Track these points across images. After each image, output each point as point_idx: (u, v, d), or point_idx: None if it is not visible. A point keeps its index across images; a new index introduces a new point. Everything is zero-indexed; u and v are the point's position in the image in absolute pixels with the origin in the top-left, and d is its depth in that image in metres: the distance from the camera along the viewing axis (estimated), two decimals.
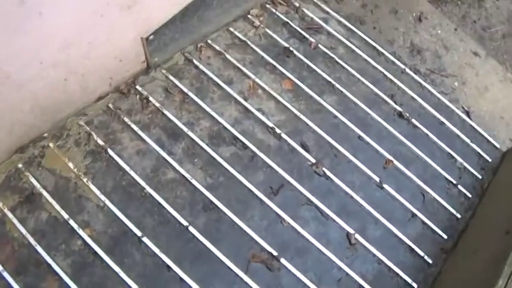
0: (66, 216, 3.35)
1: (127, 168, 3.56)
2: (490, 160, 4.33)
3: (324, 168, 3.83)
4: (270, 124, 3.93)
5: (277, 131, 3.90)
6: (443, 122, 4.34)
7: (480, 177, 4.22)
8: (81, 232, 3.31)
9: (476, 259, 3.35)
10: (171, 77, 3.98)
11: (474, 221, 3.94)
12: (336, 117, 4.10)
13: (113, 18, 3.27)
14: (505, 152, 4.40)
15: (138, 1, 3.33)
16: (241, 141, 3.82)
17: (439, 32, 4.98)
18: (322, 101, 4.13)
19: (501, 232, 3.22)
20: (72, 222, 3.34)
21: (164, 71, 4.01)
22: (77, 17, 3.03)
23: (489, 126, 4.51)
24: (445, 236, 3.87)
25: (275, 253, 3.47)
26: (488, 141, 4.44)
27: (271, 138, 3.89)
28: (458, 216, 3.98)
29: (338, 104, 4.18)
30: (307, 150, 3.90)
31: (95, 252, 3.28)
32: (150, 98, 3.86)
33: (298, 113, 4.02)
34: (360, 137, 4.06)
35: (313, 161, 3.86)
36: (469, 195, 4.09)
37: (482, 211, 3.96)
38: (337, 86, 4.25)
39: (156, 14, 3.63)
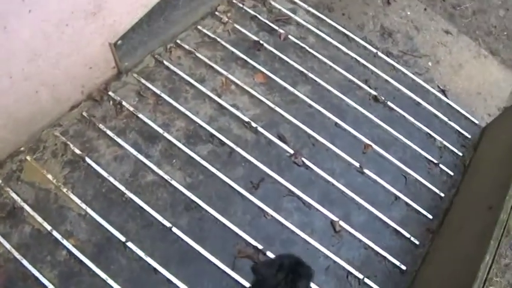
0: (49, 227, 3.37)
1: (106, 174, 3.59)
2: (469, 137, 4.38)
3: (302, 158, 3.87)
4: (246, 119, 3.97)
5: (253, 125, 3.95)
6: (419, 103, 4.39)
7: (461, 154, 4.27)
8: (65, 242, 3.33)
9: (462, 236, 3.39)
10: (143, 80, 4.01)
11: (458, 199, 3.98)
12: (311, 106, 4.15)
13: (79, 26, 3.30)
14: (485, 127, 4.44)
15: (103, 7, 3.36)
16: (218, 138, 3.87)
17: (409, 13, 5.02)
18: (296, 92, 4.18)
19: (484, 208, 3.25)
20: (55, 233, 3.36)
21: (136, 75, 4.04)
22: (42, 29, 3.06)
23: (466, 103, 4.56)
24: (430, 216, 3.93)
25: (260, 247, 3.50)
26: (466, 118, 4.49)
27: (247, 133, 3.94)
28: (442, 195, 4.04)
29: (312, 93, 4.24)
30: (284, 142, 3.94)
31: (81, 261, 3.30)
32: (124, 103, 3.89)
33: (272, 105, 4.07)
34: (336, 124, 4.11)
35: (292, 152, 3.91)
36: (451, 173, 4.15)
37: (465, 188, 4.00)
38: (310, 75, 4.30)
39: (122, 19, 3.64)
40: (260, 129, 3.96)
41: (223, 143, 3.85)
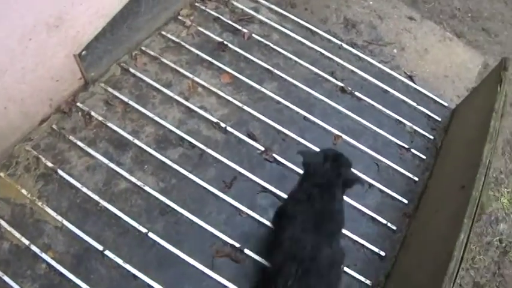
0: (27, 242, 3.38)
1: (79, 185, 3.60)
2: (440, 119, 4.44)
3: (273, 154, 3.91)
4: (214, 119, 4.01)
5: (222, 125, 3.98)
6: (387, 90, 4.45)
7: (432, 137, 4.33)
8: (44, 256, 3.34)
9: (438, 218, 3.43)
10: (110, 89, 4.03)
11: (432, 181, 4.03)
12: (278, 102, 4.20)
13: (42, 39, 3.32)
14: (454, 109, 4.50)
15: (65, 19, 3.38)
16: (188, 141, 3.90)
17: (371, 3, 5.07)
18: (263, 89, 4.23)
19: (457, 188, 3.28)
20: (33, 247, 3.37)
21: (102, 84, 4.07)
22: (5, 44, 3.08)
23: (434, 86, 4.62)
24: (406, 201, 3.98)
25: (238, 245, 3.53)
26: (435, 101, 4.55)
27: (217, 133, 3.97)
28: (416, 179, 4.09)
29: (279, 90, 4.29)
30: (254, 140, 3.98)
31: (61, 273, 3.31)
32: (92, 113, 3.91)
33: (240, 105, 4.11)
34: (305, 117, 4.16)
35: (262, 149, 3.95)
36: (424, 157, 4.20)
37: (438, 170, 4.05)
38: (276, 71, 4.35)
39: (85, 30, 3.66)
40: (229, 128, 3.99)
41: (193, 146, 3.87)
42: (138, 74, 4.13)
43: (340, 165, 2.98)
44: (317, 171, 2.99)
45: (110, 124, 3.89)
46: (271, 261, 3.20)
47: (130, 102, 3.99)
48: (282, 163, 3.91)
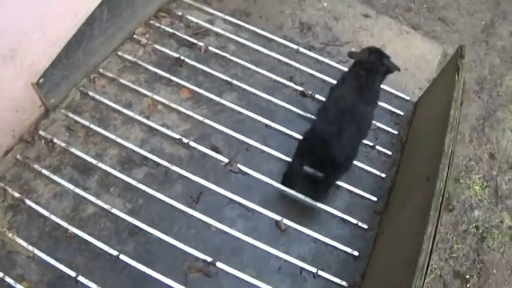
0: (0, 274, 3.37)
1: (47, 213, 3.60)
2: (403, 114, 4.49)
3: (238, 165, 3.93)
4: (177, 136, 4.02)
5: (185, 140, 4.00)
6: None
7: (396, 132, 4.37)
8: (18, 286, 3.33)
9: (406, 212, 3.46)
10: (70, 115, 4.04)
11: (399, 176, 4.07)
12: (240, 113, 4.22)
13: None
14: (417, 102, 4.55)
15: (19, 50, 3.38)
16: (151, 160, 3.91)
17: (325, 4, 5.10)
18: (223, 101, 4.25)
19: (423, 180, 3.31)
20: (8, 279, 3.35)
21: (63, 110, 4.06)
22: None
23: (395, 81, 4.65)
24: (375, 198, 4.02)
25: (210, 259, 3.55)
26: (397, 96, 4.60)
27: (180, 149, 3.98)
28: (383, 175, 4.13)
29: (239, 100, 4.31)
30: (218, 152, 4.00)
31: None
32: (55, 140, 3.91)
33: (201, 118, 4.13)
34: (267, 125, 4.19)
35: (226, 160, 3.96)
36: (389, 153, 4.25)
37: (405, 165, 4.09)
38: (235, 82, 4.37)
39: (40, 58, 3.66)
40: (192, 143, 4.00)
41: (157, 164, 3.89)
42: (98, 97, 4.14)
43: (382, 56, 3.83)
44: (365, 59, 3.80)
45: (73, 150, 3.88)
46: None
47: (92, 126, 3.99)
48: (247, 173, 3.93)
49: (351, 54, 3.91)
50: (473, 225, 4.21)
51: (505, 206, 4.40)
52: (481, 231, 4.21)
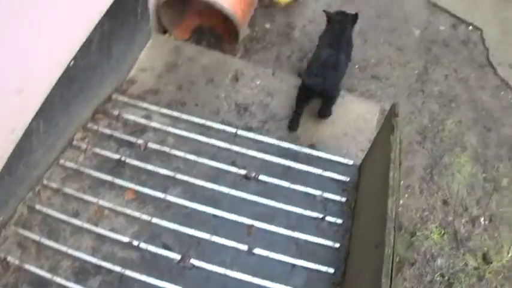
0: None
1: None
2: (348, 179, 4.55)
3: (191, 260, 3.94)
4: (126, 239, 4.03)
5: (135, 243, 4.01)
6: (290, 166, 4.55)
7: (345, 199, 4.43)
8: None
9: (362, 281, 3.48)
10: (20, 231, 4.04)
11: (352, 245, 4.09)
12: (186, 207, 4.25)
13: None
14: (360, 165, 4.58)
15: None
16: (104, 267, 3.90)
17: (258, 82, 5.17)
18: (168, 197, 4.28)
19: (373, 247, 3.33)
20: None
21: (13, 227, 4.06)
22: None
23: (336, 148, 4.73)
24: (332, 270, 4.04)
25: None
26: (339, 163, 4.64)
27: (132, 253, 3.99)
28: (337, 245, 4.17)
29: (184, 193, 4.34)
30: (169, 249, 4.01)
31: None
32: (9, 258, 3.89)
33: (149, 218, 4.15)
34: (214, 215, 4.21)
35: (179, 257, 3.98)
36: (340, 221, 4.29)
37: (356, 232, 4.14)
38: (178, 176, 4.41)
39: None
40: (142, 244, 4.01)
41: (111, 271, 3.88)
42: (45, 210, 4.14)
43: (347, 14, 5.21)
44: (336, 17, 5.18)
45: (27, 266, 3.86)
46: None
47: (42, 240, 3.98)
48: (201, 267, 3.94)
49: (326, 13, 5.24)
50: (438, 273, 4.26)
51: (467, 249, 4.47)
52: (447, 278, 4.26)
